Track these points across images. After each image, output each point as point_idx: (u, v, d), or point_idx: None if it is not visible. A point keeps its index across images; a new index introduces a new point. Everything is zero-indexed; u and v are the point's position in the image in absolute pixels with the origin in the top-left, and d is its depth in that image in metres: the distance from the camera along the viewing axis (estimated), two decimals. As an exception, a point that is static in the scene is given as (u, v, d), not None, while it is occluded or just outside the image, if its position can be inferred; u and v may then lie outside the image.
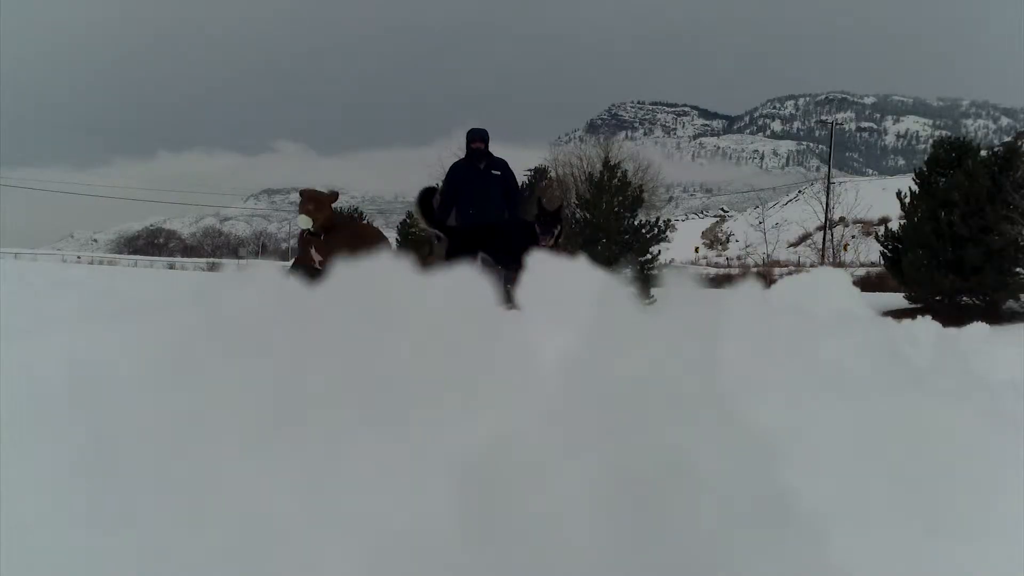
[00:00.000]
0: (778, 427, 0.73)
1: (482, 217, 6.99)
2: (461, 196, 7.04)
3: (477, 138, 7.12)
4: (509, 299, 0.92)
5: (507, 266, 6.11)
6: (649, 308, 0.56)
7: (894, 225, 18.75)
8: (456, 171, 7.18)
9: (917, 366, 1.01)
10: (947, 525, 0.69)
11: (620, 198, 22.50)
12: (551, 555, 0.45)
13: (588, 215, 22.84)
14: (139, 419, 0.50)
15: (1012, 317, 13.91)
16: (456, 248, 6.36)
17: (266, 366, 0.51)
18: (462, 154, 7.48)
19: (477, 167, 7.08)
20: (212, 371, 0.51)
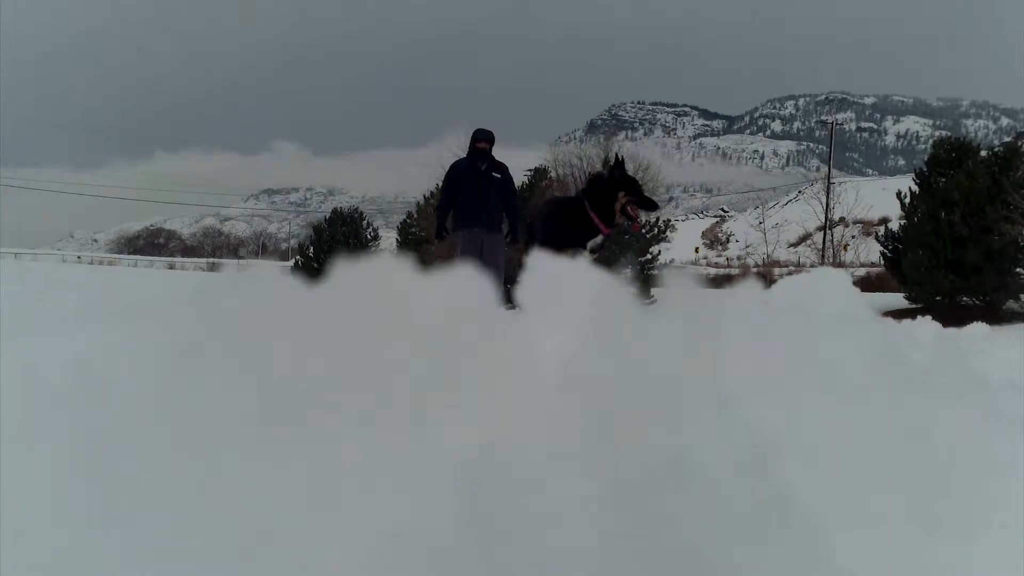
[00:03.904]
0: (778, 427, 0.73)
1: (478, 219, 6.95)
2: (460, 196, 6.99)
3: (482, 138, 7.07)
4: (509, 299, 0.92)
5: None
6: (649, 308, 0.56)
7: (894, 225, 18.75)
8: (456, 170, 7.11)
9: (917, 366, 1.01)
10: (947, 525, 0.69)
11: (620, 198, 22.45)
12: (551, 555, 0.45)
13: (588, 215, 22.76)
14: (139, 419, 0.50)
15: (1012, 317, 13.90)
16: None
17: (266, 366, 0.51)
18: (462, 154, 7.45)
19: (478, 168, 7.05)
20: (212, 371, 0.51)
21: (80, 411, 0.52)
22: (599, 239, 5.09)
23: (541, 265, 0.84)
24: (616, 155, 5.26)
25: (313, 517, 0.46)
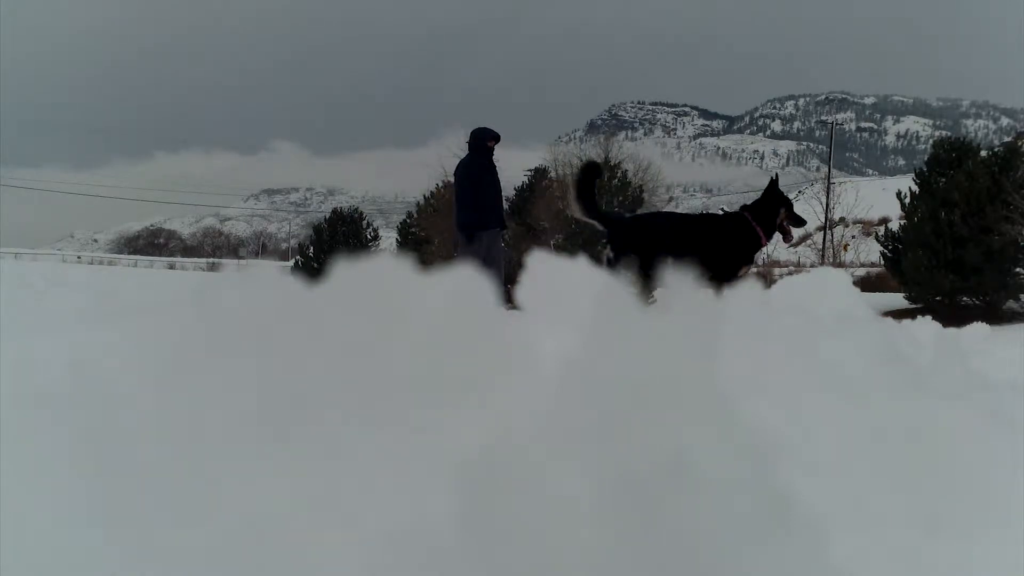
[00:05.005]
0: (778, 427, 0.73)
1: (495, 218, 6.97)
2: (480, 197, 6.93)
3: (492, 137, 7.07)
4: (509, 299, 0.92)
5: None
6: (649, 308, 0.56)
7: (894, 225, 18.76)
8: (474, 170, 7.03)
9: (917, 366, 1.01)
10: (947, 525, 0.69)
11: (620, 198, 22.50)
12: (551, 555, 0.45)
13: (588, 215, 22.81)
14: (139, 419, 0.50)
15: (1012, 317, 13.91)
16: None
17: (266, 366, 0.51)
18: (462, 154, 7.45)
19: (488, 167, 7.06)
20: (212, 371, 0.51)
21: (80, 411, 0.52)
22: (753, 260, 5.21)
23: (541, 265, 0.84)
24: (773, 175, 5.35)
25: (313, 517, 0.46)
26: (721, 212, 5.45)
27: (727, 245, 4.89)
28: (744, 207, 5.19)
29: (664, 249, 4.70)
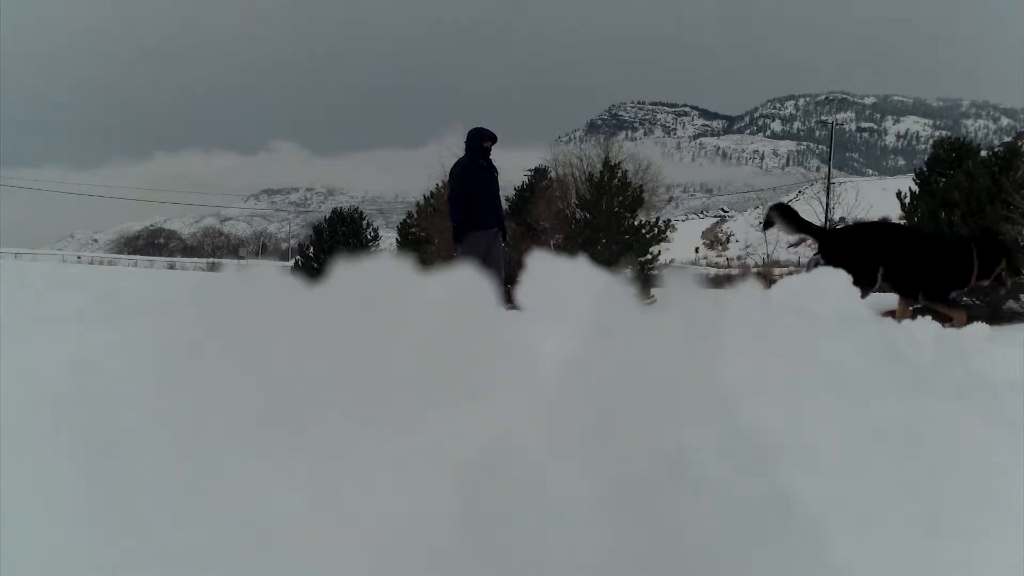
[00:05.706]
0: (778, 427, 0.73)
1: (493, 219, 6.96)
2: (474, 196, 6.90)
3: (490, 137, 7.06)
4: (509, 299, 0.92)
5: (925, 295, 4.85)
6: (649, 308, 0.56)
7: (894, 225, 18.73)
8: (471, 170, 7.00)
9: (917, 366, 1.01)
10: (947, 525, 0.69)
11: (620, 198, 22.50)
12: (551, 555, 0.45)
13: (588, 215, 22.83)
14: (139, 419, 0.50)
15: (1012, 317, 13.90)
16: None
17: (266, 366, 0.51)
18: (461, 153, 7.44)
19: (486, 167, 7.05)
20: (212, 371, 0.51)
21: (80, 411, 0.52)
22: (963, 290, 5.34)
23: (541, 265, 0.84)
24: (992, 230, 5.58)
25: (313, 517, 0.46)
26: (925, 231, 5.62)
27: (945, 266, 4.97)
28: (974, 239, 5.31)
29: (882, 260, 4.88)
